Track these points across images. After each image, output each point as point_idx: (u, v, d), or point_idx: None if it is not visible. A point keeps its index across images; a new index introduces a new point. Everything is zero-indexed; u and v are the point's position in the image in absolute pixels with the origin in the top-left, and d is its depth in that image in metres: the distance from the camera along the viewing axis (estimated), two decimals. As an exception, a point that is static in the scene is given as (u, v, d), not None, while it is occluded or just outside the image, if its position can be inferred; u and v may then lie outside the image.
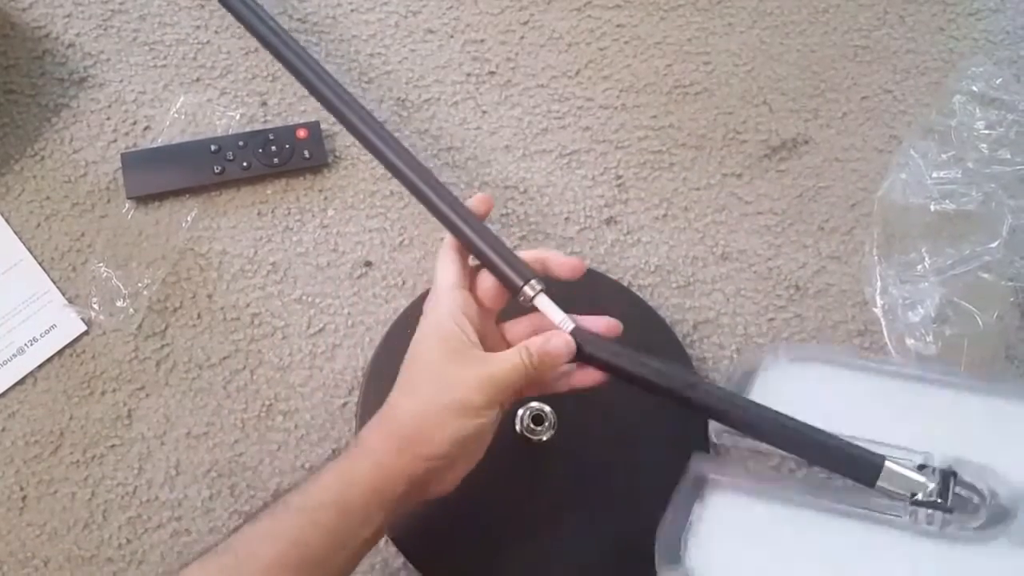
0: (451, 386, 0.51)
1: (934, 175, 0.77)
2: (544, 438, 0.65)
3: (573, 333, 0.54)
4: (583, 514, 0.65)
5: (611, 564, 0.65)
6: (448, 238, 0.57)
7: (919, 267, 0.74)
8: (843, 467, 0.55)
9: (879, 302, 0.73)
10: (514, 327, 0.58)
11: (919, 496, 0.55)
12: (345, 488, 0.49)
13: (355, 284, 0.72)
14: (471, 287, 0.56)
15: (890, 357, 0.71)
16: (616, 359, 0.55)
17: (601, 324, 0.56)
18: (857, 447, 0.55)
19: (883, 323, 0.73)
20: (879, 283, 0.74)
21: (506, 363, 0.52)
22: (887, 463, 0.54)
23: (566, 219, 0.75)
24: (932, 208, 0.75)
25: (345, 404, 0.68)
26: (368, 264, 0.73)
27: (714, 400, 0.56)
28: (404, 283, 0.72)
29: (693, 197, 0.77)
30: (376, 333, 0.70)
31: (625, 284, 0.73)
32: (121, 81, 0.76)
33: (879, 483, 0.54)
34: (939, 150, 0.78)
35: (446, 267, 0.56)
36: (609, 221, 0.76)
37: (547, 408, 0.65)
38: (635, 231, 0.75)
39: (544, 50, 0.82)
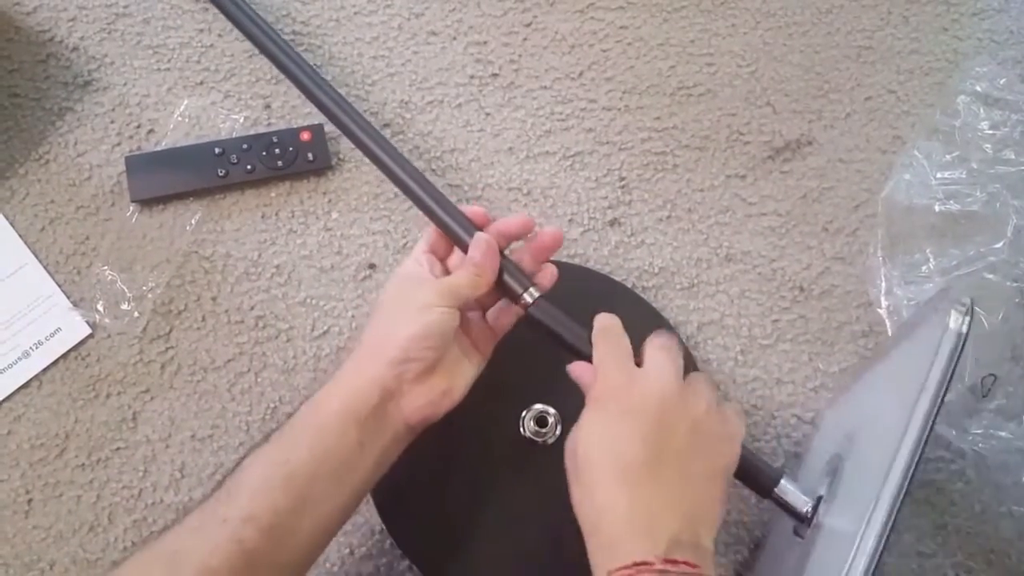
0: (408, 298, 0.55)
1: (938, 176, 0.76)
2: (549, 440, 0.65)
3: (504, 262, 0.58)
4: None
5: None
6: (422, 239, 0.61)
7: (924, 268, 0.73)
8: (744, 474, 0.56)
9: (884, 303, 0.73)
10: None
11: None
12: (318, 408, 0.52)
13: (359, 287, 0.72)
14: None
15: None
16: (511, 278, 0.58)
17: (547, 235, 0.60)
18: (759, 459, 0.57)
19: (888, 324, 0.73)
20: (884, 284, 0.74)
21: (455, 275, 0.57)
22: (784, 480, 0.56)
23: (570, 221, 0.75)
24: (936, 209, 0.75)
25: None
26: (372, 267, 0.73)
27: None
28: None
29: (697, 198, 0.77)
30: (380, 335, 0.70)
31: (629, 286, 0.73)
32: (125, 84, 0.76)
33: (775, 492, 0.56)
34: (943, 151, 0.78)
35: (416, 257, 0.59)
36: (613, 223, 0.76)
37: (551, 410, 0.65)
38: (639, 233, 0.75)
39: (547, 52, 0.82)
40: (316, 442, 0.51)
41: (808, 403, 0.71)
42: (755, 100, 0.81)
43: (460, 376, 0.56)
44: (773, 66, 0.82)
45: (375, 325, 0.55)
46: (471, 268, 0.56)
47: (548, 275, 0.60)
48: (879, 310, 0.73)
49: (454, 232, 0.59)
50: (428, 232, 0.60)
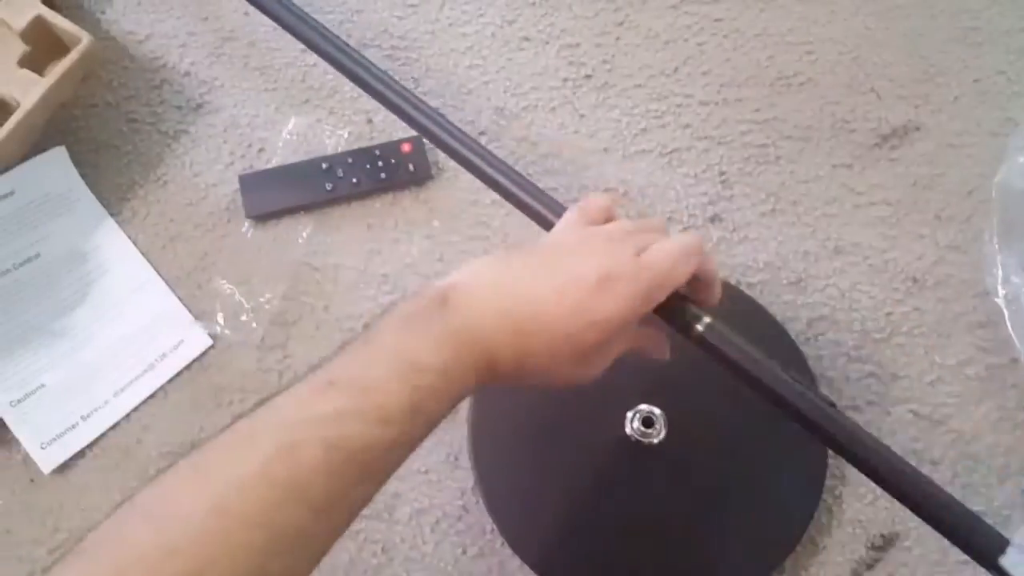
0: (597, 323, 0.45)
1: (1055, 157, 0.73)
2: (655, 441, 0.65)
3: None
4: (693, 518, 0.65)
5: (721, 569, 0.65)
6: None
7: (1042, 254, 0.71)
8: (961, 539, 0.48)
9: (1001, 292, 0.71)
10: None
11: None
12: (416, 354, 0.43)
13: (463, 292, 0.73)
14: None
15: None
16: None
17: None
18: (981, 520, 0.47)
19: (1006, 314, 0.70)
20: (1000, 272, 0.71)
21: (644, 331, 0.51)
22: (1011, 547, 0.46)
23: (669, 219, 0.75)
24: (1054, 192, 0.72)
25: (457, 410, 0.69)
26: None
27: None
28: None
29: (801, 190, 0.75)
30: (485, 339, 0.71)
31: (733, 283, 0.72)
32: (235, 106, 0.80)
33: (1001, 561, 0.46)
34: (1059, 131, 0.74)
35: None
36: (714, 219, 0.75)
37: (657, 411, 0.65)
38: (741, 228, 0.74)
39: (640, 50, 0.81)
40: (408, 383, 0.42)
41: (926, 398, 0.69)
42: (858, 87, 0.79)
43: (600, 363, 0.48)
44: (876, 51, 0.80)
45: (524, 289, 0.45)
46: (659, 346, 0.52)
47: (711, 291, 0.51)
48: (996, 299, 0.71)
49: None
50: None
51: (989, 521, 0.65)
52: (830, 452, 0.66)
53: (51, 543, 0.67)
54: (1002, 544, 0.45)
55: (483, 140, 0.78)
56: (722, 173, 0.76)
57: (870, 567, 0.65)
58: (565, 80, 0.80)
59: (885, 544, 0.66)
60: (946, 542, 0.64)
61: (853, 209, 0.74)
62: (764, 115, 0.78)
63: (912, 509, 0.46)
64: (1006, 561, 0.44)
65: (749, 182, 0.76)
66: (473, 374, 0.44)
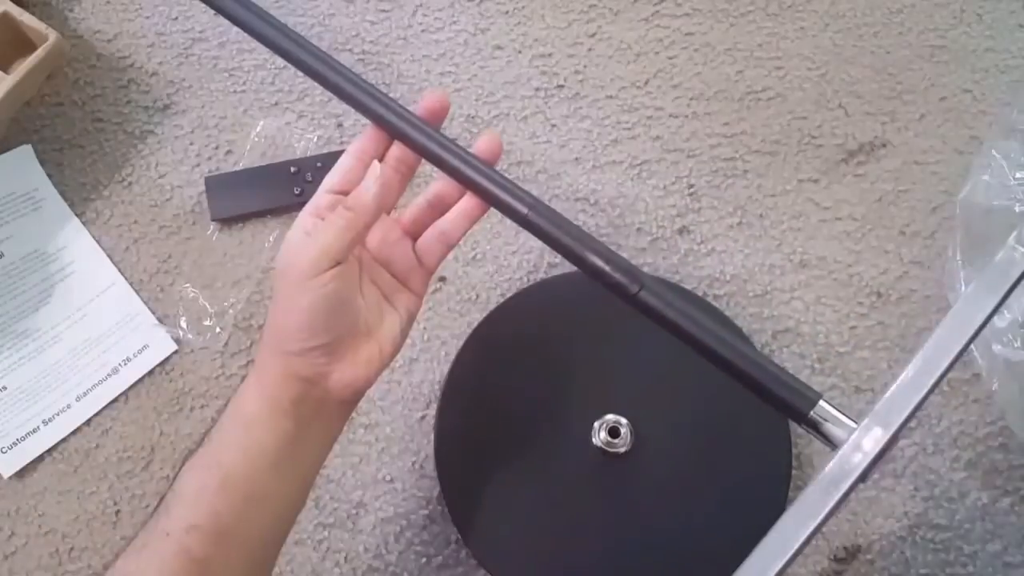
0: (288, 275, 0.47)
1: (1018, 176, 0.74)
2: (621, 451, 0.65)
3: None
4: (662, 526, 0.65)
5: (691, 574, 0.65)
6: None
7: (1005, 270, 0.71)
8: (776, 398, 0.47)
9: (963, 307, 0.72)
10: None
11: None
12: (242, 405, 0.48)
13: (430, 299, 0.73)
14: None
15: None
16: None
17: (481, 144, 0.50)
18: (796, 379, 0.48)
19: (968, 329, 0.71)
20: (963, 288, 0.72)
21: (323, 229, 0.47)
22: (822, 401, 0.47)
23: (638, 230, 0.75)
24: (1016, 209, 0.73)
25: (423, 417, 0.69)
26: (442, 279, 0.74)
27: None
28: (477, 297, 0.73)
29: (768, 204, 0.76)
30: (451, 347, 0.71)
31: (700, 294, 0.72)
32: (203, 107, 0.79)
33: (812, 413, 0.47)
34: (1022, 150, 0.75)
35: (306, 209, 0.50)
36: (682, 231, 0.75)
37: (624, 421, 0.65)
38: (709, 240, 0.75)
39: (612, 61, 0.82)
40: (246, 440, 0.47)
41: (888, 411, 0.69)
42: (826, 103, 0.80)
43: (385, 332, 0.50)
44: (844, 68, 0.81)
45: (272, 311, 0.49)
46: (339, 210, 0.47)
47: (486, 145, 0.50)
48: (959, 315, 0.72)
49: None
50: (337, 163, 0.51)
51: (945, 526, 0.66)
52: (794, 462, 0.67)
53: (7, 548, 0.66)
54: (814, 398, 0.47)
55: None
56: (691, 186, 0.77)
57: (831, 579, 0.66)
58: (537, 89, 0.81)
59: (848, 556, 0.66)
60: (908, 553, 0.66)
61: (819, 223, 0.75)
62: (733, 129, 0.79)
63: (732, 374, 0.47)
64: (817, 412, 0.46)
65: (717, 195, 0.76)
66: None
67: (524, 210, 0.48)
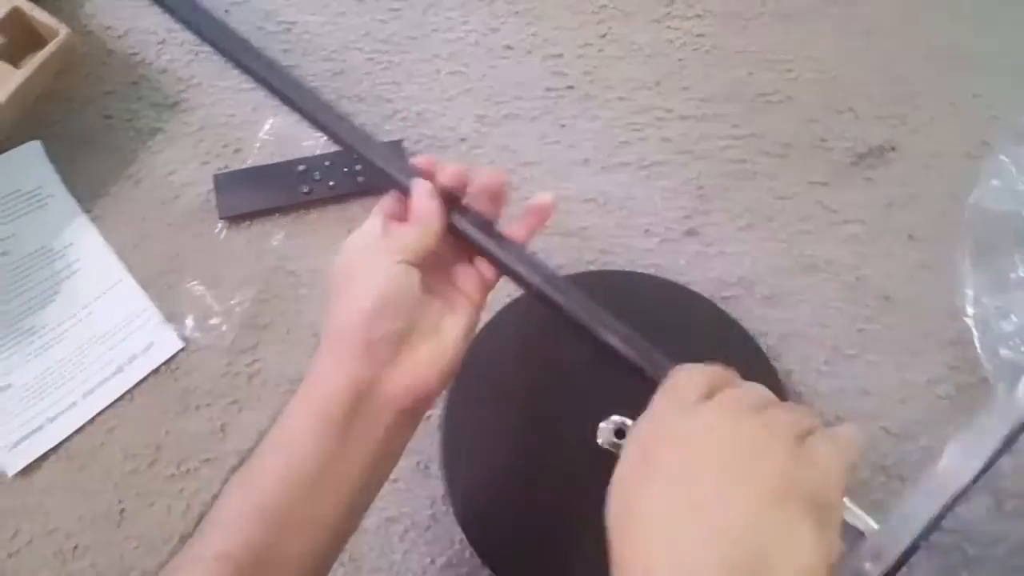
0: (356, 270, 0.48)
1: (1027, 180, 0.74)
2: (628, 452, 0.65)
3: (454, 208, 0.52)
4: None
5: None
6: (384, 202, 0.54)
7: (1012, 275, 0.71)
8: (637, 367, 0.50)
9: (971, 312, 0.71)
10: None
11: None
12: (287, 422, 0.47)
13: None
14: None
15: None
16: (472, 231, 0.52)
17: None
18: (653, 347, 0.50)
19: (975, 334, 0.71)
20: (971, 292, 0.72)
21: (400, 230, 0.50)
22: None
23: (646, 231, 0.75)
24: (1025, 214, 0.73)
25: (429, 417, 0.69)
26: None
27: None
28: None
29: (777, 207, 0.76)
30: (459, 347, 0.71)
31: (707, 296, 0.72)
32: (212, 105, 0.79)
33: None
34: (1032, 155, 0.75)
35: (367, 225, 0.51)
36: (690, 232, 0.75)
37: (629, 422, 0.65)
38: (717, 242, 0.75)
39: (623, 62, 0.82)
40: (286, 462, 0.45)
41: (895, 415, 0.69)
42: (836, 106, 0.79)
43: (447, 334, 0.49)
44: (854, 71, 0.81)
45: (331, 313, 0.48)
46: (414, 218, 0.50)
47: (526, 228, 0.53)
48: (966, 319, 0.71)
49: (395, 180, 0.53)
50: (385, 197, 0.54)
51: (951, 529, 0.65)
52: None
53: (11, 547, 0.66)
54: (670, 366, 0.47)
55: (464, 147, 0.78)
56: (700, 187, 0.77)
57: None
58: (547, 90, 0.81)
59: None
60: (913, 558, 0.65)
61: (828, 226, 0.75)
62: (743, 131, 0.79)
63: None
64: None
65: (726, 197, 0.76)
66: None
67: (536, 280, 0.51)
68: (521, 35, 0.82)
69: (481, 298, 0.53)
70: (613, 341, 0.50)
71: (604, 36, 0.82)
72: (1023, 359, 0.68)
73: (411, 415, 0.49)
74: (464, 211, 0.52)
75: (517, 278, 0.52)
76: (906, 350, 0.71)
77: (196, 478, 0.67)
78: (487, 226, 0.52)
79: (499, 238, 0.52)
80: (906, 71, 0.81)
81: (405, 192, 0.52)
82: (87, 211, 0.75)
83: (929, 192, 0.76)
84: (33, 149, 0.76)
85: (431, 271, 0.50)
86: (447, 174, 0.51)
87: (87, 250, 0.73)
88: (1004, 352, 0.69)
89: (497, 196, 0.53)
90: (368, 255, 0.48)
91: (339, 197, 0.75)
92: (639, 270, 0.73)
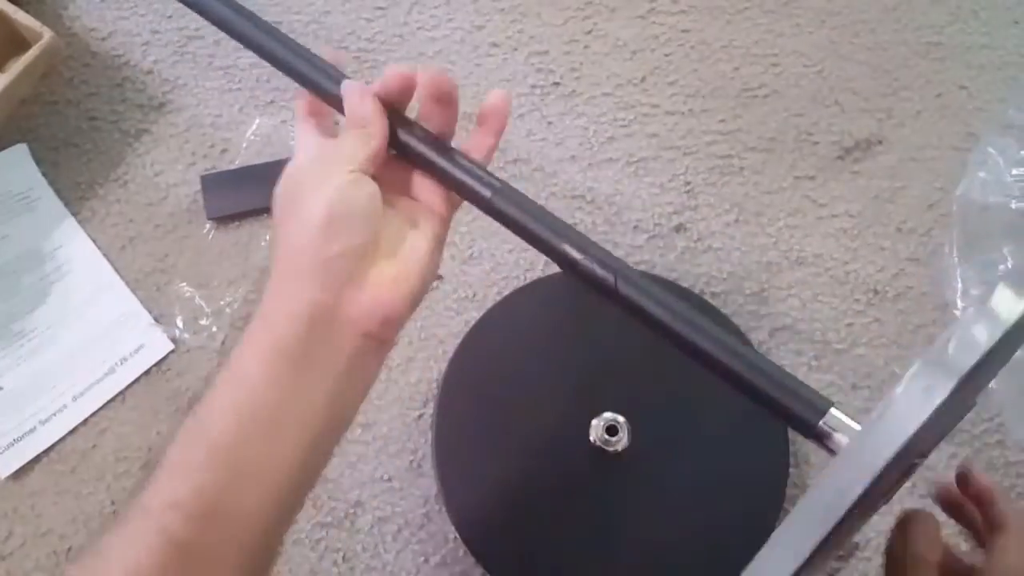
0: (302, 188, 0.43)
1: (1014, 172, 0.74)
2: (619, 448, 0.65)
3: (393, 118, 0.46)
4: (660, 524, 0.65)
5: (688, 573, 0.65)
6: (297, 105, 0.49)
7: (1001, 267, 0.72)
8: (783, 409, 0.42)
9: (960, 305, 0.72)
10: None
11: None
12: (236, 357, 0.41)
13: (427, 297, 0.72)
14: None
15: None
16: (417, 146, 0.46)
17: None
18: (805, 386, 0.42)
19: (965, 325, 0.71)
20: (960, 285, 0.72)
21: (339, 141, 0.45)
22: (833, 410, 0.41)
23: (634, 227, 0.75)
24: (1013, 206, 0.73)
25: (421, 416, 0.69)
26: (439, 278, 0.73)
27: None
28: (474, 295, 0.73)
29: (765, 201, 0.76)
30: (449, 345, 0.71)
31: (697, 292, 0.72)
32: (198, 105, 0.79)
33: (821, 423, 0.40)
34: (1018, 146, 0.75)
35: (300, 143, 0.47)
36: (679, 228, 0.75)
37: (621, 419, 0.65)
38: (706, 237, 0.75)
39: (608, 58, 0.82)
40: (239, 398, 0.40)
41: (885, 408, 0.69)
42: (822, 100, 0.80)
43: (411, 251, 0.44)
44: (840, 65, 0.81)
45: (279, 239, 0.43)
46: (351, 124, 0.45)
47: (483, 144, 0.48)
48: (955, 312, 0.72)
49: (324, 90, 0.47)
50: (299, 103, 0.48)
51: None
52: (792, 460, 0.67)
53: (4, 549, 0.65)
54: (823, 408, 0.40)
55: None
56: (687, 183, 0.77)
57: (829, 576, 0.66)
58: (533, 87, 0.81)
59: (846, 554, 0.66)
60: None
61: (816, 221, 0.75)
62: (729, 126, 0.79)
63: (730, 381, 0.42)
64: (826, 422, 0.40)
65: (714, 192, 0.76)
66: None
67: (487, 193, 0.45)
68: (507, 32, 0.82)
69: (446, 210, 0.47)
70: (572, 252, 0.45)
71: (589, 33, 0.82)
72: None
73: (376, 341, 0.43)
74: (407, 122, 0.47)
75: (468, 192, 0.46)
76: (895, 343, 0.71)
77: (187, 480, 0.67)
78: (430, 136, 0.46)
79: (444, 148, 0.46)
80: (892, 64, 0.81)
81: (338, 101, 0.46)
82: (75, 213, 0.74)
83: (916, 185, 0.76)
84: (19, 152, 0.75)
85: (387, 184, 0.45)
86: (387, 77, 0.45)
87: (76, 252, 0.73)
88: (993, 344, 0.69)
89: (445, 100, 0.46)
90: (312, 171, 0.43)
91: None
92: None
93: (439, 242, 0.46)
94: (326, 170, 0.42)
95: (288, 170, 0.44)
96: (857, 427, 0.40)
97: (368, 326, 0.42)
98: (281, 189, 0.44)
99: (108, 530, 0.39)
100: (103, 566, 0.38)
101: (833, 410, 0.40)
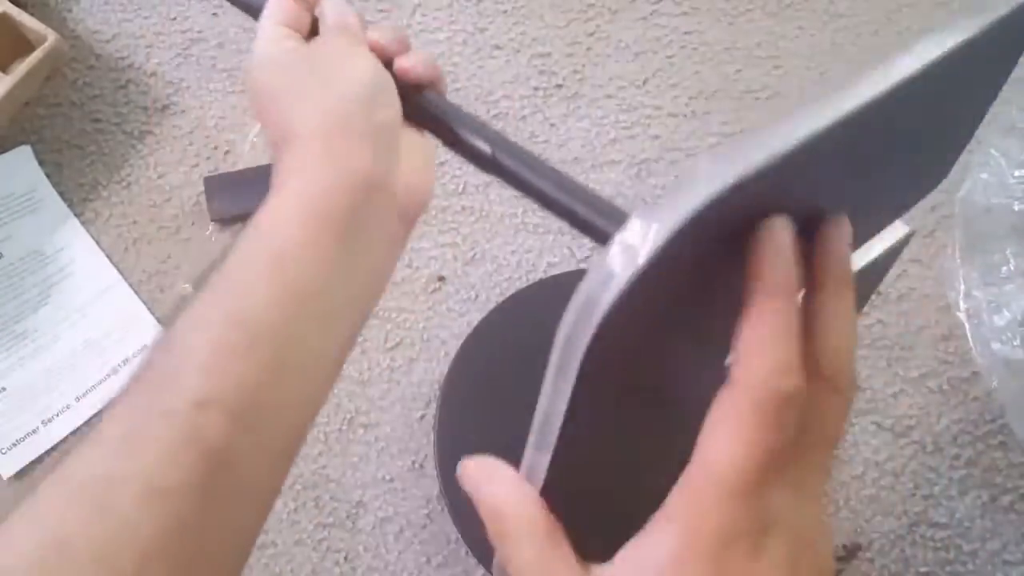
0: (329, 62, 0.41)
1: (1016, 174, 0.74)
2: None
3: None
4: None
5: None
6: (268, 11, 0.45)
7: (1004, 269, 0.71)
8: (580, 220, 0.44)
9: (963, 306, 0.72)
10: None
11: None
12: (272, 227, 0.36)
13: (429, 299, 0.73)
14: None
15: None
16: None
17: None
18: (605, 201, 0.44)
19: (967, 327, 0.71)
20: (962, 286, 0.72)
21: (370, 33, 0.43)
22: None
23: (638, 229, 0.75)
24: (1015, 208, 0.73)
25: (423, 416, 0.69)
26: (442, 279, 0.74)
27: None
28: (477, 297, 0.73)
29: (767, 203, 0.76)
30: (451, 346, 0.71)
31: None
32: (202, 107, 0.79)
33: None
34: (1021, 148, 0.75)
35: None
36: (681, 230, 0.75)
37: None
38: (708, 239, 0.75)
39: (611, 60, 0.82)
40: (280, 279, 0.35)
41: (888, 410, 0.69)
42: (824, 102, 0.79)
43: (425, 145, 0.43)
44: (842, 67, 0.81)
45: (300, 108, 0.39)
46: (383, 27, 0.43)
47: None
48: (958, 313, 0.72)
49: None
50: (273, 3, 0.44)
51: (945, 524, 0.66)
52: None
53: (5, 549, 0.66)
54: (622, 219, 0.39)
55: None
56: (690, 184, 0.77)
57: (831, 577, 0.66)
58: (536, 89, 0.81)
59: (848, 555, 0.66)
60: (907, 551, 0.66)
61: (818, 222, 0.75)
62: (732, 128, 0.79)
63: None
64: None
65: (717, 193, 0.76)
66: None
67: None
68: (509, 35, 0.82)
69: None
70: (547, 187, 0.45)
71: (592, 34, 0.83)
72: (1015, 353, 0.68)
73: (406, 224, 0.42)
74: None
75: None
76: (898, 345, 0.71)
77: (190, 481, 0.67)
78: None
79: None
80: (894, 66, 0.81)
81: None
82: (78, 215, 0.75)
83: (918, 186, 0.76)
84: (23, 154, 0.76)
85: None
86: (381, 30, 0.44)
87: (79, 254, 0.73)
88: (996, 346, 0.69)
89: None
90: (334, 48, 0.41)
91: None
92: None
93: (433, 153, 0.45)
94: (351, 49, 0.41)
95: (284, 48, 0.42)
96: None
97: (403, 206, 0.40)
98: (286, 66, 0.41)
99: (94, 448, 0.31)
100: (113, 491, 0.30)
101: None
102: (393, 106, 0.41)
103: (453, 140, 0.44)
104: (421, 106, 0.44)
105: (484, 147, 0.43)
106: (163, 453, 0.31)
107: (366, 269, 0.38)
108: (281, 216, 0.36)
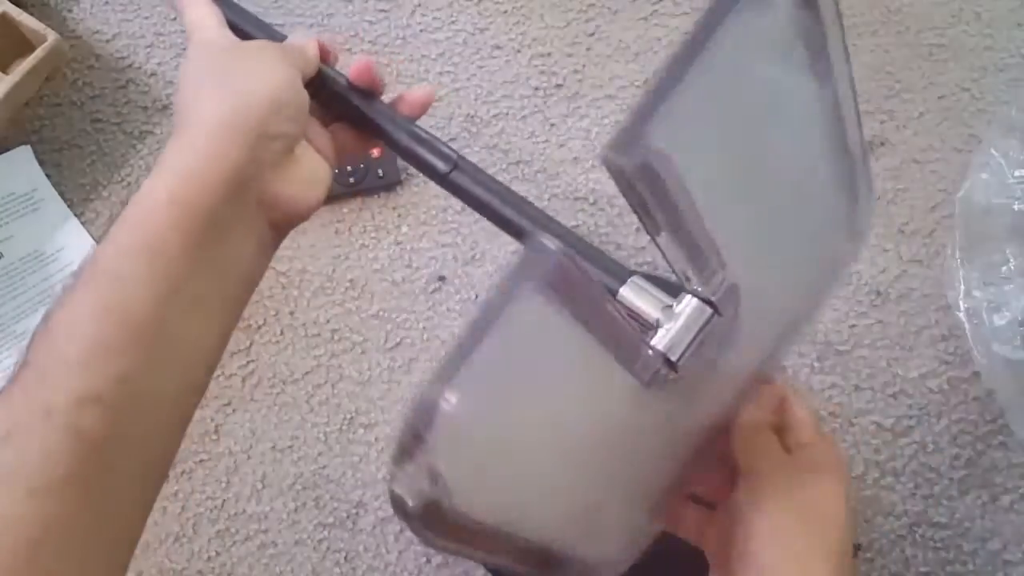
0: (248, 60, 0.43)
1: (1016, 174, 0.74)
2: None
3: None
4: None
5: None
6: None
7: (1004, 269, 0.71)
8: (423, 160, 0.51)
9: (963, 306, 0.72)
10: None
11: None
12: (147, 216, 0.37)
13: (430, 299, 0.73)
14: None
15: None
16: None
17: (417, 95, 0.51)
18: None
19: (967, 327, 0.71)
20: (962, 287, 0.72)
21: (293, 39, 0.48)
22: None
23: (637, 229, 0.75)
24: (1015, 208, 0.73)
25: (423, 417, 0.69)
26: (442, 279, 0.74)
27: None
28: (477, 297, 0.73)
29: (767, 203, 0.76)
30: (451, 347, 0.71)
31: (700, 293, 0.72)
32: (202, 107, 0.79)
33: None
34: (1021, 148, 0.75)
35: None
36: (681, 230, 0.75)
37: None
38: (708, 239, 0.75)
39: (611, 61, 0.82)
40: (154, 265, 0.36)
41: (888, 410, 0.69)
42: (824, 102, 0.80)
43: (319, 167, 0.45)
44: (842, 67, 0.81)
45: (209, 98, 0.40)
46: (303, 36, 0.47)
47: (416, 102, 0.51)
48: (958, 313, 0.71)
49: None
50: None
51: (945, 524, 0.66)
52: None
53: (5, 549, 0.66)
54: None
55: (453, 146, 0.77)
56: (690, 184, 0.77)
57: (831, 578, 0.66)
58: (536, 89, 0.81)
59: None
60: (908, 551, 0.66)
61: (818, 222, 0.75)
62: (732, 127, 0.79)
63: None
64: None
65: (717, 194, 0.76)
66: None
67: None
68: (509, 34, 0.82)
69: (333, 158, 0.49)
70: (398, 135, 0.51)
71: (592, 34, 0.83)
72: (1016, 353, 0.68)
73: (274, 236, 0.44)
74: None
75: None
76: (898, 345, 0.71)
77: (190, 479, 0.68)
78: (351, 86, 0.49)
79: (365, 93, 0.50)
80: (894, 66, 0.81)
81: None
82: (79, 215, 0.75)
83: (919, 187, 0.76)
84: (23, 154, 0.76)
85: None
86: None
87: (80, 253, 0.73)
88: (996, 347, 0.69)
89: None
90: (257, 54, 0.43)
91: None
92: (631, 267, 0.73)
93: (331, 176, 0.47)
94: (273, 56, 0.43)
95: (213, 41, 0.44)
96: None
97: (275, 215, 0.42)
98: (206, 59, 0.43)
99: None
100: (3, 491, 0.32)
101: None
102: (296, 123, 0.43)
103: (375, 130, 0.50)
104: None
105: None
106: (45, 451, 0.32)
107: (231, 262, 0.40)
108: (150, 199, 0.37)
